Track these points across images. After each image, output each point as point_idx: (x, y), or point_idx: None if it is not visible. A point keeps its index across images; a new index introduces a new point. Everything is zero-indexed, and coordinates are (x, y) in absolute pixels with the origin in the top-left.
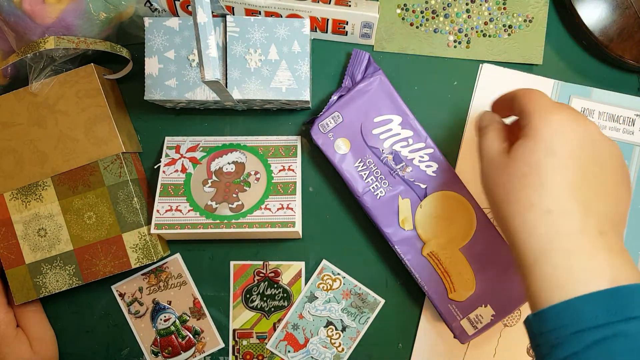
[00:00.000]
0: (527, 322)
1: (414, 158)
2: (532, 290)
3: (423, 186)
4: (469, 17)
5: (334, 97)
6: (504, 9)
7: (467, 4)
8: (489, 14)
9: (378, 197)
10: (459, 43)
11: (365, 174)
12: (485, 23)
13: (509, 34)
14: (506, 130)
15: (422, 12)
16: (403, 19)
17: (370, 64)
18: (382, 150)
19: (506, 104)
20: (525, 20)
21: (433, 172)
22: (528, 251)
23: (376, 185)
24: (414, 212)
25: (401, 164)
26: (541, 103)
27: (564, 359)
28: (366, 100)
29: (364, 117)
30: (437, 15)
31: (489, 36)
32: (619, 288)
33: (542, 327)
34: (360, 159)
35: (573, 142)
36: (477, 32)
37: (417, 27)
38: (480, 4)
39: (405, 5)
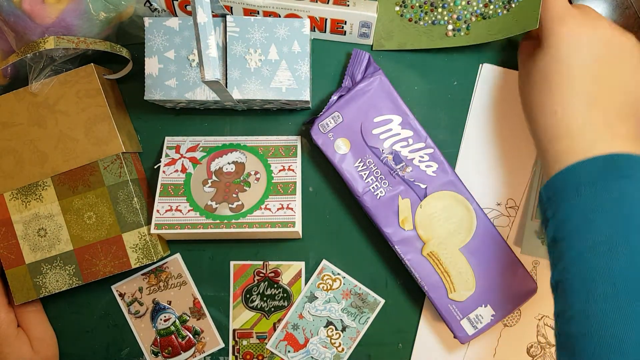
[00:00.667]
0: (539, 196)
1: (414, 158)
2: (545, 171)
3: (423, 186)
4: (468, 2)
5: (334, 97)
6: None
7: None
8: None
9: (378, 197)
10: (458, 30)
11: (365, 174)
12: (486, 5)
13: (507, 9)
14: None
15: (420, 6)
16: (402, 15)
17: (370, 64)
18: (382, 150)
19: None
20: None
21: (433, 172)
22: (542, 140)
23: (376, 185)
24: (414, 212)
25: (401, 164)
26: (553, 11)
27: (565, 210)
28: (366, 100)
29: (364, 117)
30: (435, 8)
31: (489, 17)
32: (616, 155)
33: (550, 191)
34: (360, 159)
35: (582, 49)
36: (477, 16)
37: (415, 22)
38: None
39: (403, 1)
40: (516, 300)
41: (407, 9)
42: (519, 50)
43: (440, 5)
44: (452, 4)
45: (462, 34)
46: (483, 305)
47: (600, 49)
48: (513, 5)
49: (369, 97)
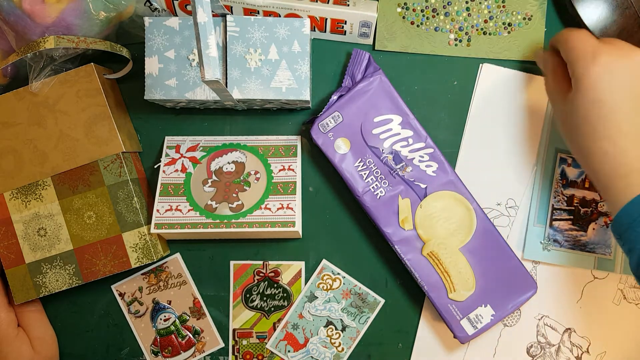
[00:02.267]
0: (612, 232)
1: (414, 158)
2: (610, 207)
3: (423, 186)
4: (469, 15)
5: (334, 97)
6: (503, 7)
7: (466, 2)
8: (489, 12)
9: (378, 197)
10: (460, 41)
11: (365, 173)
12: (485, 21)
13: (508, 32)
14: (563, 66)
15: (422, 10)
16: (404, 17)
17: (371, 63)
18: (382, 150)
19: (556, 49)
20: (524, 18)
21: (433, 172)
22: (600, 180)
23: (376, 185)
24: (414, 212)
25: (401, 164)
26: (582, 50)
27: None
28: (366, 100)
29: (364, 116)
30: (437, 14)
31: (490, 34)
32: None
33: (621, 228)
34: (360, 159)
35: (618, 84)
36: (477, 30)
37: (417, 26)
38: (480, 2)
39: (405, 4)
40: (516, 300)
41: (409, 11)
42: (546, 89)
43: (442, 12)
44: (453, 13)
45: (464, 45)
46: (483, 305)
47: (636, 78)
48: (514, 29)
49: (369, 97)
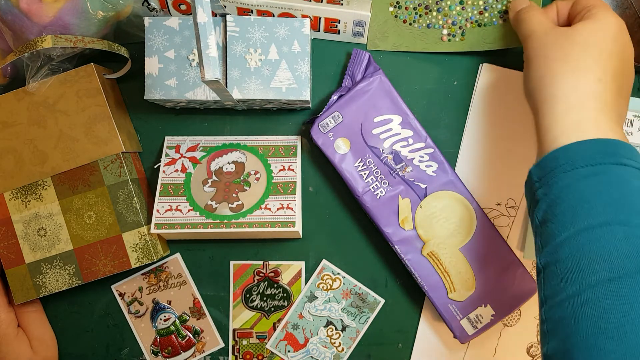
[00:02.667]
0: (529, 176)
1: (414, 158)
2: (540, 136)
3: (423, 186)
4: (462, 8)
5: (334, 97)
6: None
7: None
8: (484, 2)
9: (378, 197)
10: (453, 36)
11: (365, 173)
12: (480, 12)
13: (504, 20)
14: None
15: (414, 8)
16: (396, 16)
17: (371, 63)
18: (382, 150)
19: None
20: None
21: (433, 172)
22: (553, 101)
23: (376, 185)
24: (414, 212)
25: (401, 164)
26: (603, 3)
27: (556, 192)
28: (366, 100)
29: (364, 116)
30: (430, 11)
31: (484, 25)
32: (616, 140)
33: (542, 171)
34: (360, 159)
35: (624, 42)
36: (472, 22)
37: (410, 24)
38: None
39: (397, 2)
40: (516, 300)
41: (402, 10)
42: (521, 18)
43: (435, 8)
44: (446, 9)
45: (457, 39)
46: (483, 305)
47: (627, 49)
48: (508, 16)
49: (369, 97)
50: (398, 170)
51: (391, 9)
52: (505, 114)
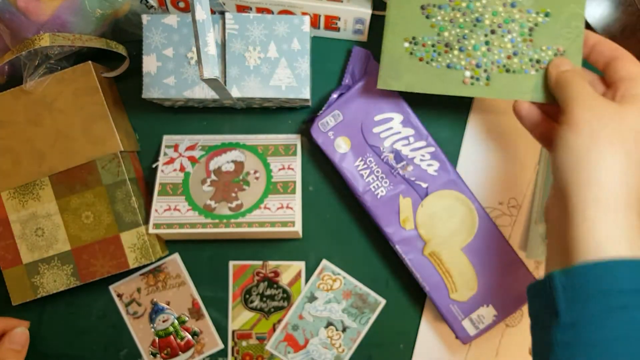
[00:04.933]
0: (548, 281)
1: (415, 157)
2: (573, 237)
3: (424, 185)
4: (488, 50)
5: (334, 95)
6: (530, 40)
7: (486, 35)
8: (513, 46)
9: (379, 197)
10: (477, 79)
11: (365, 172)
12: (509, 57)
13: (536, 70)
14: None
15: (433, 45)
16: (411, 53)
17: (371, 61)
18: (383, 149)
19: (602, 57)
20: (555, 54)
21: (434, 171)
22: (598, 191)
23: (377, 184)
24: (415, 212)
25: (402, 163)
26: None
27: (584, 317)
28: (367, 98)
29: (364, 115)
30: (451, 49)
31: (513, 72)
32: None
33: (568, 280)
34: (360, 158)
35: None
36: (498, 67)
37: (427, 62)
38: (502, 35)
39: (414, 38)
40: (518, 300)
41: (418, 46)
42: (568, 82)
43: (457, 47)
44: (470, 48)
45: (482, 83)
46: (485, 306)
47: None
48: (543, 67)
49: (370, 96)
50: (399, 169)
51: (406, 44)
52: (507, 112)
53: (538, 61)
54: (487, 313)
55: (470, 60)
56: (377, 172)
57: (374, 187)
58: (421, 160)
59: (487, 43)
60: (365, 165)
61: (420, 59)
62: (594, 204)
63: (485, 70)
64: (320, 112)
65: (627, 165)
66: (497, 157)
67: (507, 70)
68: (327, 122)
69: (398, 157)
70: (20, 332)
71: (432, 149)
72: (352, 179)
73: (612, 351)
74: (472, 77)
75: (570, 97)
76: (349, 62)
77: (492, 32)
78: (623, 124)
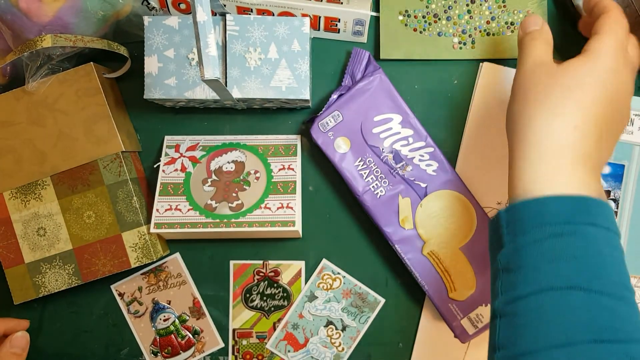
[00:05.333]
0: (496, 217)
1: (414, 157)
2: (512, 178)
3: (423, 185)
4: (470, 17)
5: (334, 96)
6: (504, 6)
7: (467, 5)
8: (490, 12)
9: (378, 197)
10: (464, 44)
11: (365, 173)
12: (488, 22)
13: (512, 31)
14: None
15: (424, 16)
16: (406, 25)
17: (371, 62)
18: (382, 149)
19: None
20: (526, 16)
21: (433, 171)
22: (526, 144)
23: (376, 184)
24: (414, 211)
25: (401, 163)
26: (616, 34)
27: (523, 244)
28: (366, 99)
29: (364, 116)
30: (439, 19)
31: (493, 34)
32: (588, 198)
33: (511, 218)
34: (360, 158)
35: (617, 85)
36: (480, 31)
37: (420, 32)
38: (481, 4)
39: (406, 11)
40: None
41: (411, 18)
42: (524, 43)
43: (444, 17)
44: (455, 17)
45: (468, 47)
46: (483, 305)
47: (622, 94)
48: (517, 28)
49: (369, 96)
50: (398, 169)
51: (400, 17)
52: (506, 112)
53: (512, 23)
54: (485, 312)
55: (457, 28)
56: (377, 172)
57: (373, 187)
58: (420, 160)
59: (469, 12)
60: (365, 166)
61: (415, 29)
62: (524, 154)
63: (470, 36)
64: (320, 112)
65: (560, 124)
66: (495, 157)
67: (488, 34)
68: (327, 123)
69: (397, 157)
70: (20, 335)
71: (431, 149)
72: (352, 179)
73: (544, 270)
74: (459, 43)
75: (519, 62)
76: (348, 62)
77: (472, 1)
78: (551, 82)
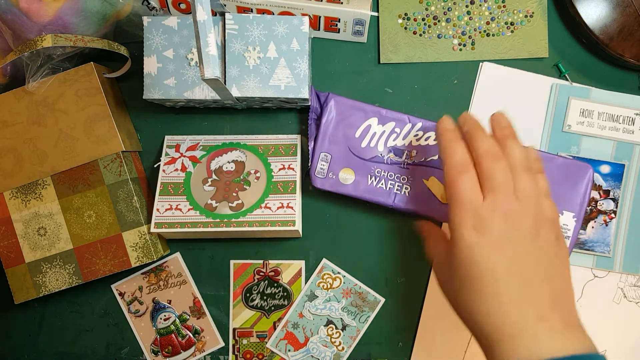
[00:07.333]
0: None
1: (411, 141)
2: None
3: (436, 157)
4: (470, 19)
5: (310, 144)
6: (504, 6)
7: (467, 6)
8: (490, 13)
9: (407, 195)
10: (464, 45)
11: (382, 184)
12: (487, 23)
13: (512, 31)
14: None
15: (423, 19)
16: (405, 28)
17: (319, 93)
18: (381, 154)
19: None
20: (526, 16)
21: (434, 140)
22: (483, 339)
23: (398, 185)
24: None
25: (405, 153)
26: (461, 215)
27: None
28: (336, 125)
29: (346, 140)
30: (438, 21)
31: (493, 35)
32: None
33: None
34: (369, 176)
35: (501, 247)
36: (480, 32)
37: (420, 35)
38: (480, 5)
39: (406, 14)
40: (581, 187)
41: (410, 21)
42: (426, 246)
43: (444, 19)
44: (455, 19)
45: (468, 49)
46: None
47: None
48: (517, 28)
49: (337, 121)
50: (405, 160)
51: (400, 20)
52: (505, 112)
53: (512, 23)
54: (567, 220)
55: (457, 30)
56: (390, 175)
57: (397, 190)
58: (417, 139)
59: (468, 13)
60: (378, 178)
61: (414, 32)
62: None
63: (469, 37)
64: (309, 165)
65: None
66: None
67: (488, 35)
68: (321, 169)
69: (397, 151)
70: None
71: (419, 124)
72: (375, 198)
73: None
74: (459, 44)
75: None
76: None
77: (472, 2)
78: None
